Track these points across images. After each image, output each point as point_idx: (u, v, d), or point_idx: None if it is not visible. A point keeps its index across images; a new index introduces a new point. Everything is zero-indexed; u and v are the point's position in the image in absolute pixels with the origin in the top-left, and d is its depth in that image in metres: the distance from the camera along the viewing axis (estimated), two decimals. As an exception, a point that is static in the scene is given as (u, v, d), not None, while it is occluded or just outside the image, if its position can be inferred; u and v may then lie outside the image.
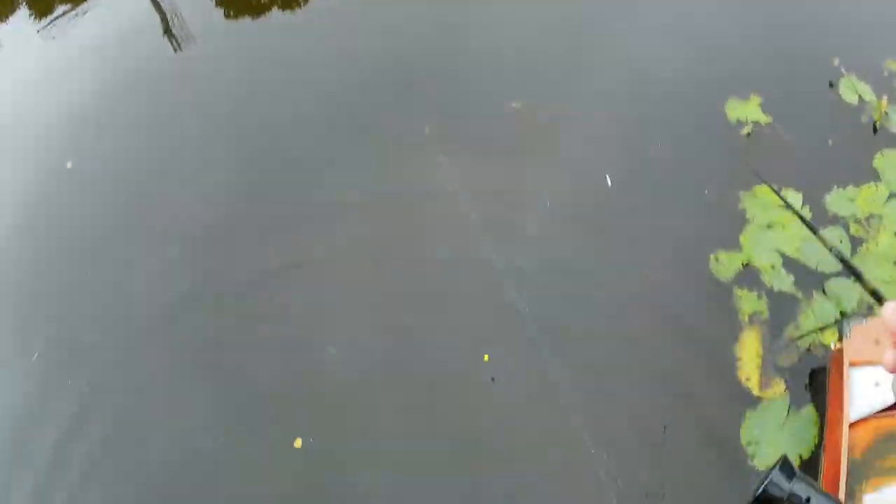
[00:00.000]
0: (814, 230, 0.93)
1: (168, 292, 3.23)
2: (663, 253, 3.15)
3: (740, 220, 3.19)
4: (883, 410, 2.55)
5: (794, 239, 3.12)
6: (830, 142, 3.42)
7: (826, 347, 2.87)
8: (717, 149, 3.44)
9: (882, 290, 0.84)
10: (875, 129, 3.43)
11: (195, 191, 3.57)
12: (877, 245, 3.08)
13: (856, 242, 3.10)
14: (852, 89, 3.54)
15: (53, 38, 4.72)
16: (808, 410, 2.76)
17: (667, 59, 3.86)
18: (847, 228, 3.14)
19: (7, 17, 5.01)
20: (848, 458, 2.44)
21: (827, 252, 2.73)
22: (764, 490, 0.83)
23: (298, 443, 2.78)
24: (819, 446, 2.68)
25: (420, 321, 2.99)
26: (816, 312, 2.95)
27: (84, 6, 4.87)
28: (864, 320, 2.65)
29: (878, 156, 3.33)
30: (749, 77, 3.68)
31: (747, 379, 2.82)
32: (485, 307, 2.99)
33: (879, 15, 3.98)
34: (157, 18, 4.66)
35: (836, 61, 3.69)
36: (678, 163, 3.41)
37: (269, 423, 2.81)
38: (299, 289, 3.15)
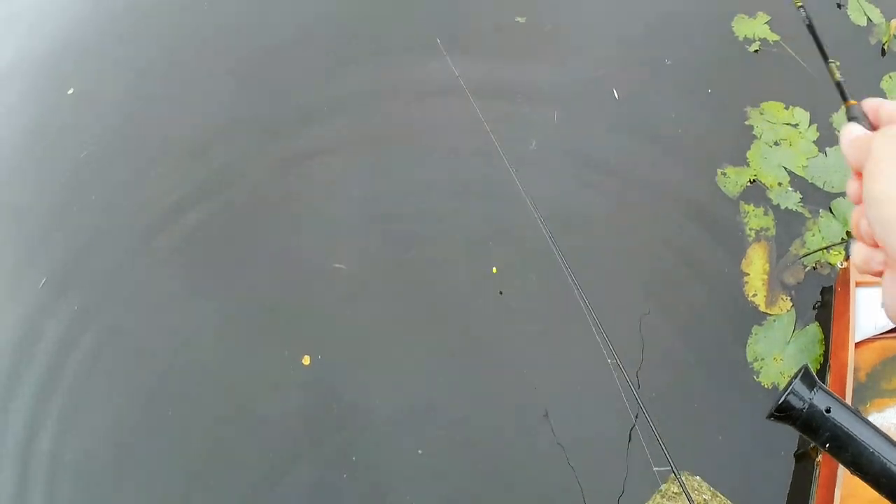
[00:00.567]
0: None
1: (172, 203, 3.13)
2: (669, 168, 3.00)
3: (748, 137, 3.05)
4: (888, 332, 2.48)
5: (801, 156, 3.00)
6: (838, 63, 3.28)
7: (832, 266, 2.77)
8: (725, 64, 3.28)
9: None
10: (883, 52, 3.32)
11: (195, 107, 3.42)
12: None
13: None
14: (861, 11, 3.41)
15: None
16: (814, 329, 2.67)
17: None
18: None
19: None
20: (854, 378, 2.36)
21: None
22: (785, 400, 0.80)
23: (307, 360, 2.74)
24: (824, 365, 2.59)
25: (428, 209, 3.01)
26: (823, 231, 2.85)
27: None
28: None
29: (885, 78, 3.22)
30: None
31: (754, 295, 2.70)
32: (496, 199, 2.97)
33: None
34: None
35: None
36: (684, 76, 3.24)
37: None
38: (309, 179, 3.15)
